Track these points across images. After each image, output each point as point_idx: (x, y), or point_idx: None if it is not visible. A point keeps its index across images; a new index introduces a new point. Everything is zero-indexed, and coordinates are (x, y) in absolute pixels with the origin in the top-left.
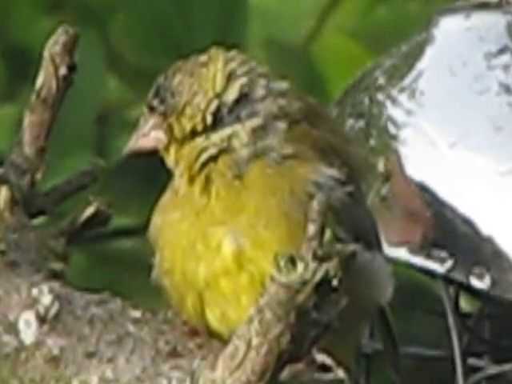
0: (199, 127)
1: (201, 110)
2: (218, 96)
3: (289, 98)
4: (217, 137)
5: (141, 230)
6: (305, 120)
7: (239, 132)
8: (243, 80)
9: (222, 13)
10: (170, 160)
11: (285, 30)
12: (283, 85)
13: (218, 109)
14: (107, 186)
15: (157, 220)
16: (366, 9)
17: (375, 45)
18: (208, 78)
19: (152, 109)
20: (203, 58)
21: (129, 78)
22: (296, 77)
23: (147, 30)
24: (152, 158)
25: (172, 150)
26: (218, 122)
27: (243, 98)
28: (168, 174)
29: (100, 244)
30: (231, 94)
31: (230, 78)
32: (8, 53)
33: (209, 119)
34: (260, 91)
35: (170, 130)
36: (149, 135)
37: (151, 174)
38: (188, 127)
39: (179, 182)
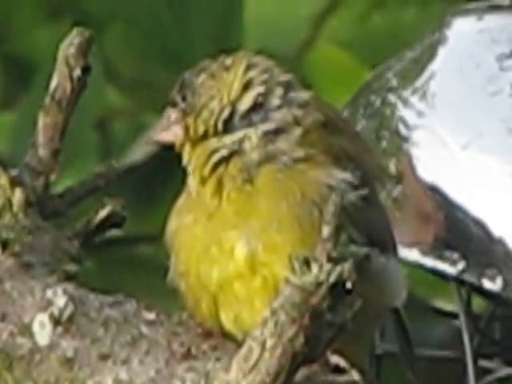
0: (211, 131)
1: (214, 116)
2: (232, 104)
3: (307, 109)
4: (228, 139)
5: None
6: (320, 129)
7: (251, 135)
8: (259, 90)
9: (219, 23)
10: (184, 157)
11: (279, 39)
12: (305, 95)
13: (231, 116)
14: (108, 189)
15: (172, 223)
16: (361, 18)
17: (370, 54)
18: (226, 84)
19: (174, 103)
20: (229, 60)
21: (126, 88)
22: None
23: (144, 40)
24: (151, 164)
25: (186, 148)
26: (229, 127)
27: (258, 106)
28: (168, 178)
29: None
30: (245, 103)
31: (247, 86)
32: (7, 60)
33: (220, 126)
34: (275, 101)
35: (186, 129)
36: (169, 129)
37: (151, 177)
38: (201, 129)
39: (191, 182)
